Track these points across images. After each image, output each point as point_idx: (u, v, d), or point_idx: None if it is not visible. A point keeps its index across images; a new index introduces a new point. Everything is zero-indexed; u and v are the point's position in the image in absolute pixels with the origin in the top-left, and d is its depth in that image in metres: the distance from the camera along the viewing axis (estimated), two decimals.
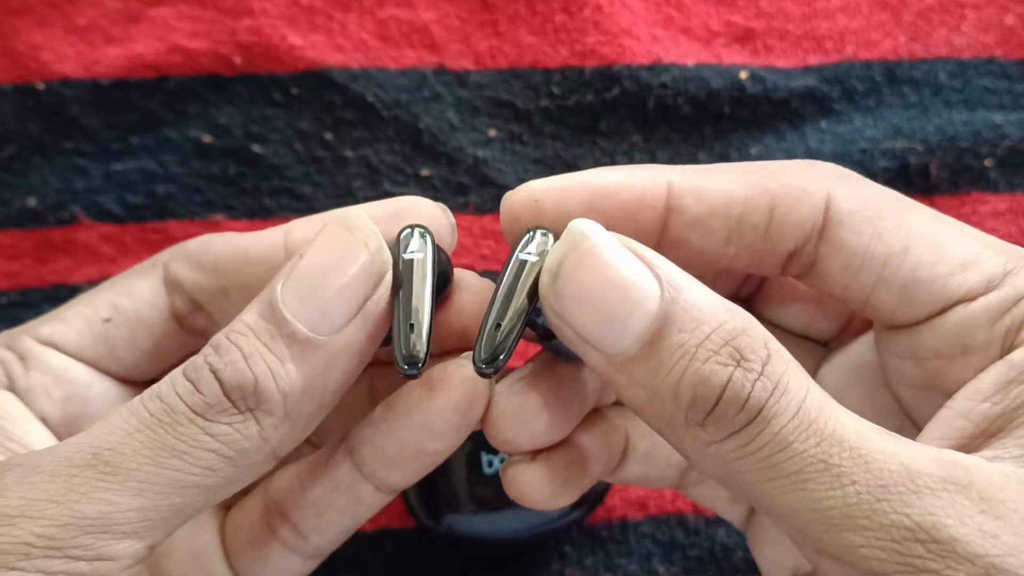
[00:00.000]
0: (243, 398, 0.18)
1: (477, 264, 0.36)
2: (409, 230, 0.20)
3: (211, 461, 0.18)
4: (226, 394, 0.18)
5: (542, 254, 0.19)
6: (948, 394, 0.19)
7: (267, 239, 0.22)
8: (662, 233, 0.20)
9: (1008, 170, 0.37)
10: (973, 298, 0.19)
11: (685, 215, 0.20)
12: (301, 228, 0.22)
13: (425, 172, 0.36)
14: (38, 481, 0.17)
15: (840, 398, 0.21)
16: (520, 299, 0.19)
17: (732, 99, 0.37)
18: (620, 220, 0.20)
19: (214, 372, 0.18)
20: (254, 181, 0.36)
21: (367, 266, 0.19)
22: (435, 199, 0.36)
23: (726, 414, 0.17)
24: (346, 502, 0.23)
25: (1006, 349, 0.19)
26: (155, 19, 0.37)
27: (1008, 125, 0.37)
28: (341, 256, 0.19)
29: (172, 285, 0.23)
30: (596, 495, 0.32)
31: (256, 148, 0.36)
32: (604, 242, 0.18)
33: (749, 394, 0.17)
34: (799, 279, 0.21)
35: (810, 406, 0.17)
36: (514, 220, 0.20)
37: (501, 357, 0.19)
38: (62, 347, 0.23)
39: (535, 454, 0.22)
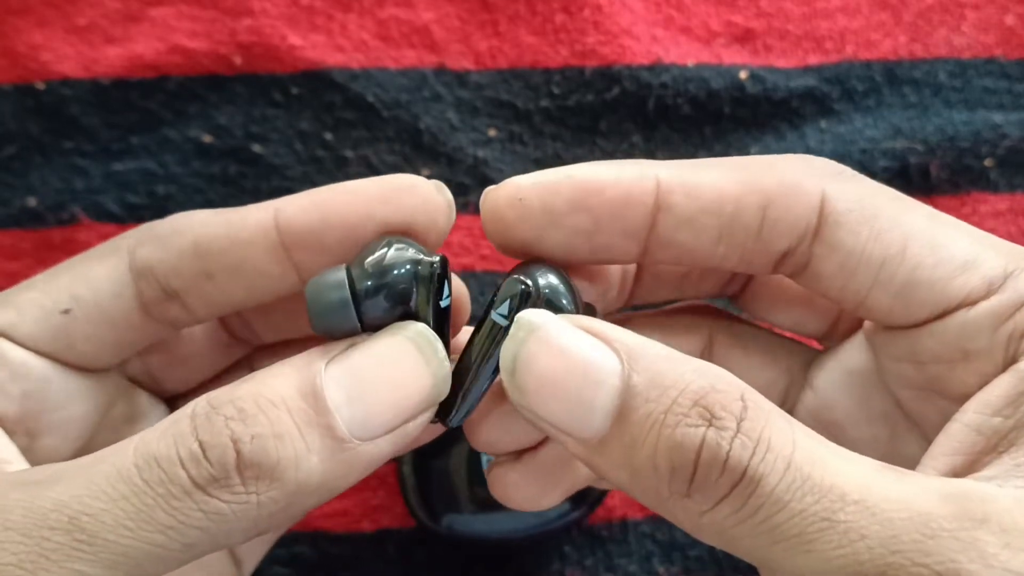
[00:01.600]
0: (256, 477, 0.17)
1: (477, 264, 0.36)
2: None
3: (195, 539, 0.16)
4: (239, 469, 0.16)
5: (511, 316, 0.19)
6: (949, 398, 0.19)
7: (255, 217, 0.21)
8: (651, 232, 0.19)
9: (1008, 170, 0.37)
10: (974, 302, 0.18)
11: (674, 213, 0.19)
12: (292, 207, 0.21)
13: (425, 172, 0.36)
14: (7, 540, 0.16)
15: (832, 402, 0.21)
16: (493, 364, 0.19)
17: (732, 99, 0.37)
18: (607, 218, 0.19)
19: (234, 441, 0.16)
20: (254, 181, 0.36)
21: (427, 397, 0.19)
22: None
23: (708, 479, 0.16)
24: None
25: (1009, 356, 0.18)
26: (155, 19, 0.37)
27: (1008, 125, 0.37)
28: (404, 376, 0.18)
29: (140, 272, 0.21)
30: (596, 495, 0.32)
31: (256, 148, 0.36)
32: (554, 329, 0.17)
33: (728, 453, 0.16)
34: (792, 278, 0.21)
35: (801, 460, 0.16)
36: (497, 219, 0.19)
37: (471, 413, 0.20)
38: (18, 340, 0.21)
39: (520, 454, 0.22)
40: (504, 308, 0.19)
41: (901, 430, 0.21)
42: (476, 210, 0.36)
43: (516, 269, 0.20)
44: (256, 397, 0.17)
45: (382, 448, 0.18)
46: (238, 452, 0.16)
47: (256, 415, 0.17)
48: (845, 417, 0.22)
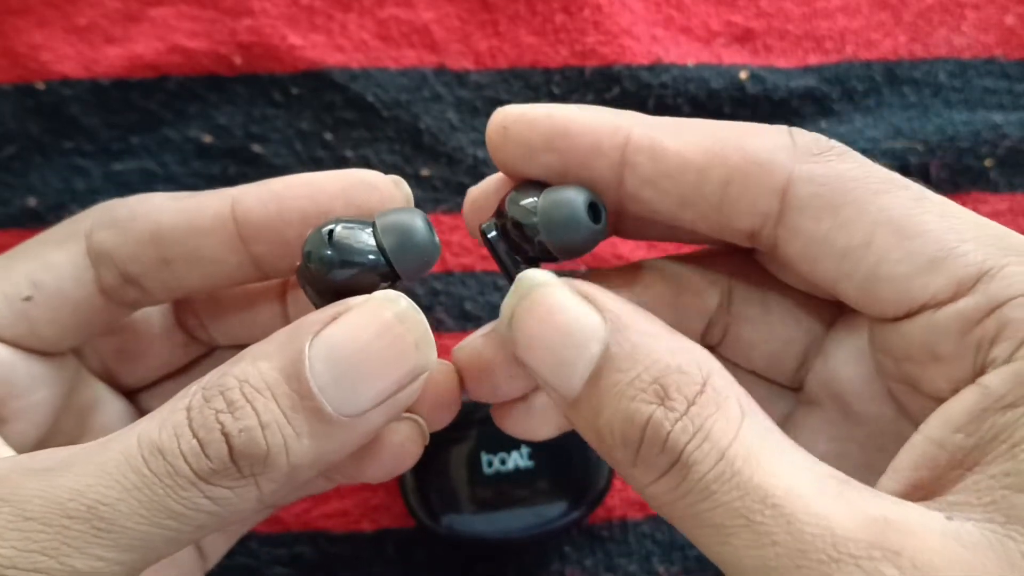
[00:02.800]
0: (250, 465, 0.17)
1: (477, 264, 0.36)
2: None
3: (204, 521, 0.17)
4: (233, 460, 0.17)
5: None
6: (925, 396, 0.18)
7: (213, 207, 0.21)
8: (620, 183, 0.20)
9: (1008, 170, 0.37)
10: (939, 304, 0.17)
11: (637, 172, 0.19)
12: (249, 198, 0.21)
13: (425, 172, 0.36)
14: (30, 529, 0.16)
15: (840, 374, 0.21)
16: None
17: (732, 99, 0.37)
18: (575, 163, 0.20)
19: (225, 436, 0.17)
20: (254, 181, 0.36)
21: (412, 369, 0.19)
22: (435, 199, 0.36)
23: (650, 455, 0.17)
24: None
25: (978, 364, 0.17)
26: (155, 19, 0.37)
27: (1008, 125, 0.37)
28: (387, 350, 0.18)
29: (99, 257, 0.21)
30: (596, 495, 0.32)
31: (256, 148, 0.36)
32: (551, 290, 0.18)
33: (668, 435, 0.16)
34: (768, 254, 0.20)
35: (735, 455, 0.16)
36: (489, 141, 0.20)
37: None
38: None
39: (521, 398, 0.23)
40: (489, 225, 0.21)
41: (904, 412, 0.21)
42: None
43: (518, 186, 0.21)
44: (243, 385, 0.18)
45: (374, 420, 0.19)
46: (230, 446, 0.17)
47: (244, 407, 0.17)
48: (851, 392, 0.21)
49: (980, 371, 0.17)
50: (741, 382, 0.22)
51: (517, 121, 0.20)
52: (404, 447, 0.22)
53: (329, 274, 0.19)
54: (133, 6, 0.37)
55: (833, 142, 0.19)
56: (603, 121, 0.19)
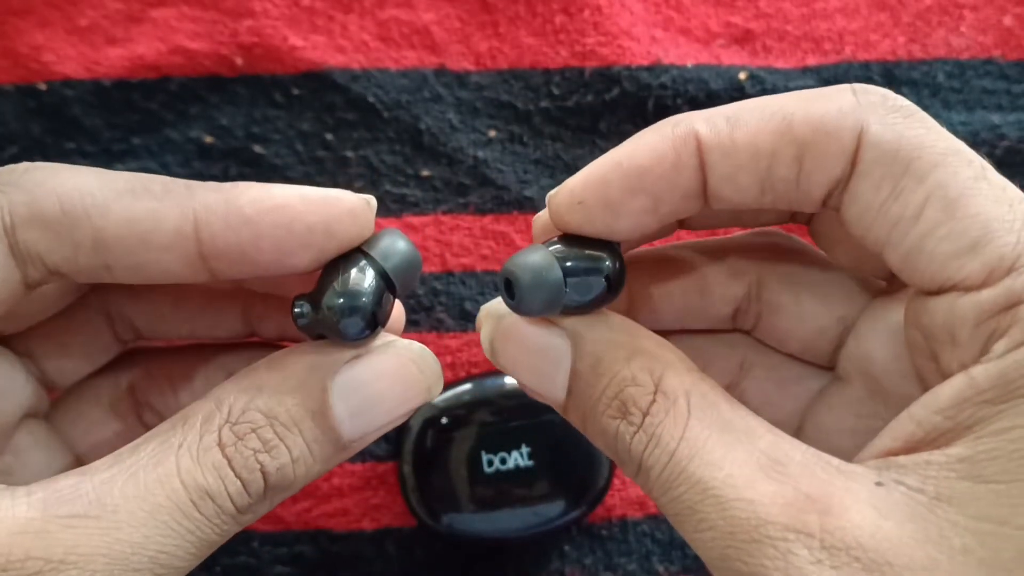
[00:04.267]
0: (276, 494, 0.20)
1: (477, 264, 0.36)
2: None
3: (223, 541, 0.19)
4: (265, 492, 0.19)
5: None
6: (943, 374, 0.19)
7: (172, 222, 0.19)
8: (703, 187, 0.20)
9: (1006, 170, 0.37)
10: (968, 288, 0.17)
11: (716, 172, 0.19)
12: (216, 221, 0.19)
13: (425, 172, 0.36)
14: None
15: (872, 353, 0.22)
16: None
17: (731, 100, 0.37)
18: (664, 193, 0.20)
19: (264, 475, 0.19)
20: (256, 181, 0.36)
21: (420, 404, 0.21)
22: (435, 199, 0.37)
23: (623, 461, 0.19)
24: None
25: (982, 355, 0.17)
26: (156, 20, 0.37)
27: (1006, 126, 0.37)
28: (403, 392, 0.21)
29: (27, 258, 0.19)
30: (596, 495, 0.32)
31: (257, 149, 0.36)
32: (510, 320, 0.21)
33: (630, 446, 0.19)
34: (818, 224, 0.22)
35: (682, 455, 0.18)
36: (566, 224, 0.20)
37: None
38: None
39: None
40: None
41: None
42: (477, 210, 0.36)
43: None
44: (273, 424, 0.19)
45: (371, 441, 0.21)
46: (267, 482, 0.19)
47: (278, 446, 0.19)
48: (882, 371, 0.22)
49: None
50: (776, 363, 0.24)
51: (588, 189, 0.20)
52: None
53: (342, 322, 0.20)
54: (135, 7, 0.37)
55: (900, 99, 0.19)
56: (669, 139, 0.19)
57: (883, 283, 0.23)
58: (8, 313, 0.21)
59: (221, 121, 0.36)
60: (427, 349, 0.21)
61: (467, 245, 0.36)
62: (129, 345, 0.26)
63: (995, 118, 0.37)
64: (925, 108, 0.39)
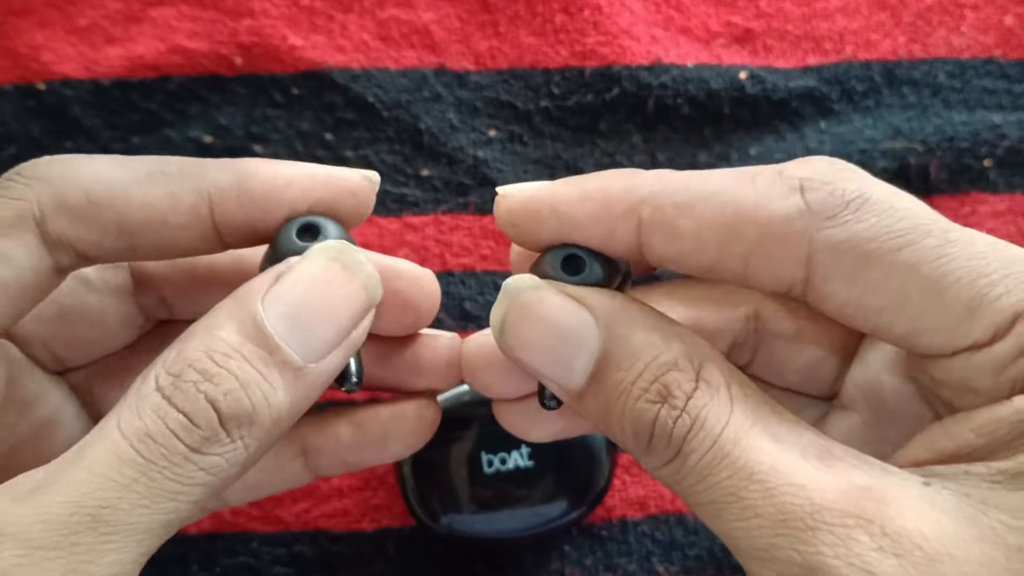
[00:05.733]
0: (238, 427, 0.18)
1: (477, 264, 0.36)
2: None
3: (199, 495, 0.18)
4: (223, 424, 0.18)
5: None
6: (956, 411, 0.19)
7: (187, 202, 0.20)
8: (641, 256, 0.20)
9: (1007, 170, 0.37)
10: (979, 347, 0.18)
11: (656, 252, 0.19)
12: (229, 201, 0.21)
13: (425, 172, 0.36)
14: (41, 559, 0.16)
15: (879, 376, 0.21)
16: None
17: (732, 99, 0.37)
18: (594, 243, 0.20)
19: (211, 403, 0.18)
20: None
21: (362, 305, 0.20)
22: (435, 199, 0.36)
23: (658, 447, 0.18)
24: (282, 483, 0.25)
25: (1015, 393, 0.18)
26: (156, 20, 0.37)
27: (1007, 125, 0.37)
28: (337, 292, 0.20)
29: (57, 245, 0.20)
30: (596, 495, 0.32)
31: (257, 148, 0.36)
32: (539, 294, 0.20)
33: (672, 431, 0.18)
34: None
35: (726, 440, 0.18)
36: (502, 228, 0.21)
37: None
38: None
39: (521, 398, 0.23)
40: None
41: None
42: (477, 210, 0.36)
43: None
44: (210, 354, 0.18)
45: (333, 363, 0.20)
46: (217, 411, 0.18)
47: (219, 372, 0.18)
48: (892, 394, 0.21)
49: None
50: (772, 397, 0.23)
51: (524, 216, 0.20)
52: (421, 420, 0.24)
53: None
54: (134, 7, 0.37)
55: (847, 192, 0.18)
56: (610, 207, 0.19)
57: None
58: (72, 339, 0.22)
59: (220, 121, 0.36)
60: (349, 247, 0.20)
61: (467, 245, 0.36)
62: (149, 325, 0.26)
63: (996, 118, 0.37)
64: (926, 108, 0.39)
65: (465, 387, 0.32)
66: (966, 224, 0.19)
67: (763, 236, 0.18)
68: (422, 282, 0.23)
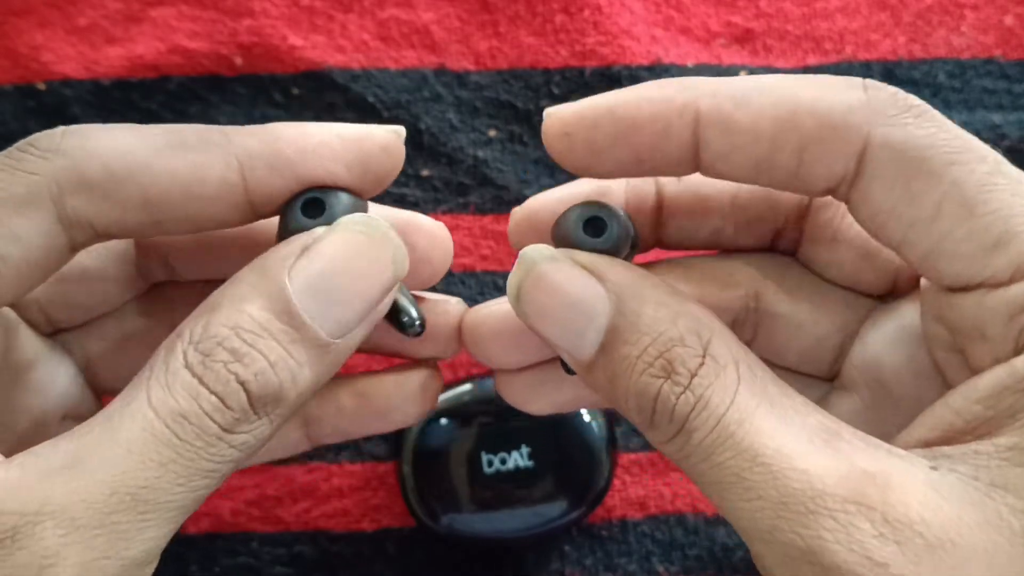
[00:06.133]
0: (265, 406, 0.18)
1: (477, 264, 0.36)
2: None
3: (229, 469, 0.18)
4: (251, 405, 0.18)
5: None
6: (971, 368, 0.19)
7: (217, 173, 0.19)
8: (695, 159, 0.20)
9: None
10: (996, 285, 0.17)
11: (711, 149, 0.19)
12: (260, 166, 0.20)
13: (425, 172, 0.36)
14: (85, 539, 0.16)
15: (880, 357, 0.21)
16: None
17: None
18: (648, 152, 0.19)
19: (242, 384, 0.18)
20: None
21: (389, 279, 0.20)
22: (435, 199, 0.36)
23: (661, 422, 0.18)
24: (282, 451, 0.24)
25: (1019, 349, 0.17)
26: (156, 19, 0.37)
27: (1007, 125, 0.37)
28: (365, 267, 0.19)
29: (75, 224, 0.19)
30: (596, 495, 0.32)
31: None
32: (550, 265, 0.19)
33: (674, 407, 0.18)
34: (822, 231, 0.21)
35: (730, 419, 0.17)
36: (552, 149, 0.20)
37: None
38: None
39: (523, 368, 0.23)
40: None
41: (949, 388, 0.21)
42: (477, 210, 0.36)
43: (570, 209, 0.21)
44: (238, 331, 0.18)
45: (358, 336, 0.20)
46: (247, 392, 0.18)
47: (249, 352, 0.18)
48: (892, 374, 0.21)
49: (1018, 354, 0.17)
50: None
51: (579, 124, 0.20)
52: (425, 390, 0.24)
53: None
54: (134, 7, 0.37)
55: (911, 98, 0.18)
56: (668, 102, 0.19)
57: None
58: (61, 296, 0.21)
59: (220, 121, 0.36)
60: (377, 219, 0.20)
61: (467, 245, 0.36)
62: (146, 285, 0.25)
63: (996, 118, 0.37)
64: None
65: (466, 387, 0.32)
66: None
67: (821, 126, 0.18)
68: (436, 235, 0.23)
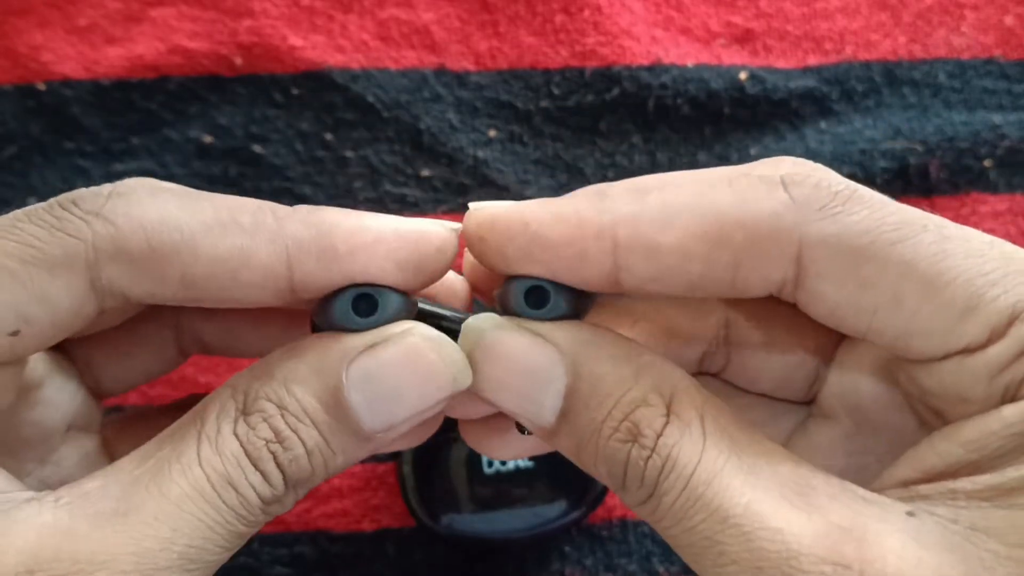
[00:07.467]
0: (295, 486, 0.19)
1: None
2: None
3: (257, 530, 0.19)
4: (286, 484, 0.19)
5: None
6: (946, 423, 0.18)
7: (263, 261, 0.18)
8: (617, 282, 0.19)
9: (1007, 171, 0.37)
10: (973, 350, 0.17)
11: (636, 273, 0.18)
12: (310, 260, 0.19)
13: (425, 172, 0.36)
14: None
15: (858, 384, 0.21)
16: None
17: (732, 100, 0.37)
18: (564, 271, 0.19)
19: (280, 467, 0.18)
20: (255, 181, 0.36)
21: (446, 399, 0.19)
22: (435, 200, 0.36)
23: (632, 487, 0.18)
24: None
25: (1006, 401, 0.17)
26: (156, 20, 0.37)
27: (1007, 125, 0.37)
28: (424, 382, 0.19)
29: (108, 293, 0.19)
30: (596, 495, 0.32)
31: (257, 148, 0.36)
32: (502, 333, 0.19)
33: (643, 472, 0.17)
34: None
35: (699, 480, 0.17)
36: (469, 247, 0.20)
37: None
38: None
39: (487, 418, 0.23)
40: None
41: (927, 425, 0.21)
42: None
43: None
44: (284, 414, 0.18)
45: (400, 431, 0.19)
46: (284, 474, 0.18)
47: (290, 437, 0.18)
48: (871, 402, 0.21)
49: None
50: (747, 404, 0.22)
51: (491, 231, 0.19)
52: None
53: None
54: (134, 7, 0.37)
55: (833, 183, 0.18)
56: (582, 227, 0.18)
57: None
58: (70, 334, 0.21)
59: (220, 121, 0.36)
60: (444, 336, 0.19)
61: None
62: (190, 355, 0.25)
63: (996, 118, 0.37)
64: (926, 108, 0.39)
65: None
66: (966, 224, 0.18)
67: (751, 237, 0.17)
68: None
